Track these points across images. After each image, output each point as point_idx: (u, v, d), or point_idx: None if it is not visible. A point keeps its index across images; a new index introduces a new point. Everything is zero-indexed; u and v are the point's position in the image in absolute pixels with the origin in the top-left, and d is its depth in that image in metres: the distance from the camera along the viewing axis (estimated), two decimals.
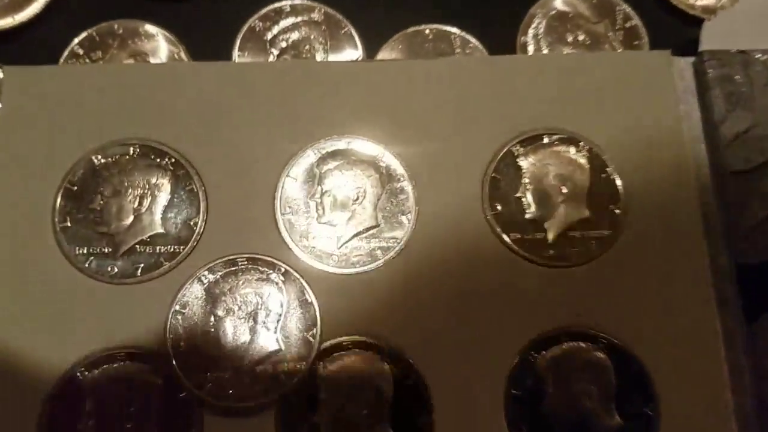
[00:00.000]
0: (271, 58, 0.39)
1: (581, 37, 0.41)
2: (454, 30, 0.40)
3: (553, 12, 0.41)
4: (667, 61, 0.38)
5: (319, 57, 0.40)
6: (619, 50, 0.41)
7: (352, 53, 0.40)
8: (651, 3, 0.43)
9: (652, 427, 0.33)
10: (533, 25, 0.41)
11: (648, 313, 0.34)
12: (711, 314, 0.34)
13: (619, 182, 0.36)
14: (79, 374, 0.32)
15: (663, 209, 0.36)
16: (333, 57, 0.40)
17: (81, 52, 0.39)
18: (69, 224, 0.34)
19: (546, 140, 0.36)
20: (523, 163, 0.36)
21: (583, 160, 0.36)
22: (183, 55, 0.39)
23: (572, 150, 0.36)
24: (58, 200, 0.34)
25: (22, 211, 0.34)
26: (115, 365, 0.32)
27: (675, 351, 0.34)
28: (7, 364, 0.32)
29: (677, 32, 0.42)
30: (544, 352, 0.33)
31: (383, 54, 0.40)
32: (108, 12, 0.40)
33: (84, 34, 0.39)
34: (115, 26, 0.40)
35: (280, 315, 0.33)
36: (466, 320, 0.34)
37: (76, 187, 0.34)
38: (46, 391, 0.31)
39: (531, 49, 0.40)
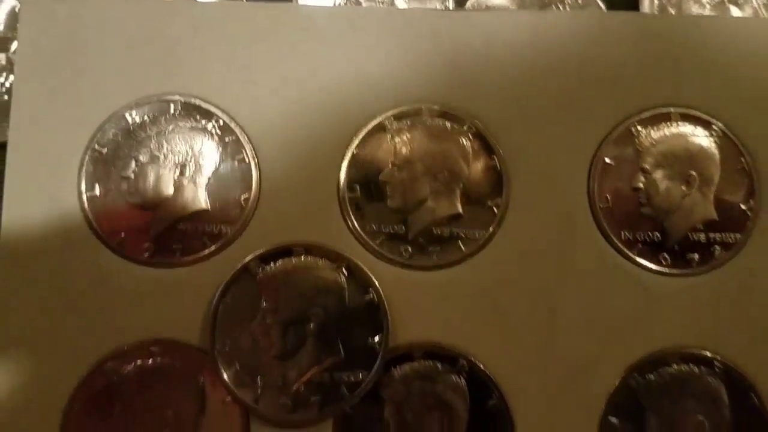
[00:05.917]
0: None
1: None
2: None
3: None
4: None
5: (400, 2, 0.34)
6: (763, 12, 0.34)
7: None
8: None
9: None
10: None
11: None
12: None
13: (755, 175, 0.30)
14: (111, 366, 0.28)
15: None
16: (416, 3, 0.33)
17: None
18: (98, 193, 0.29)
19: (671, 119, 0.30)
20: (643, 146, 0.30)
21: (713, 146, 0.30)
22: None
23: (701, 132, 0.30)
24: (85, 165, 0.29)
25: (44, 177, 0.29)
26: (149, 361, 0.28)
27: None
28: (37, 346, 0.28)
29: None
30: (649, 375, 0.29)
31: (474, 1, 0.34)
32: None
33: None
34: None
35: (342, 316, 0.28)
36: (562, 333, 0.29)
37: (105, 150, 0.29)
38: (78, 378, 0.28)
39: (656, 5, 0.33)
